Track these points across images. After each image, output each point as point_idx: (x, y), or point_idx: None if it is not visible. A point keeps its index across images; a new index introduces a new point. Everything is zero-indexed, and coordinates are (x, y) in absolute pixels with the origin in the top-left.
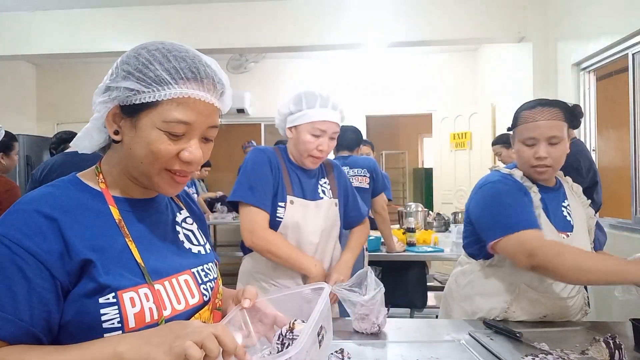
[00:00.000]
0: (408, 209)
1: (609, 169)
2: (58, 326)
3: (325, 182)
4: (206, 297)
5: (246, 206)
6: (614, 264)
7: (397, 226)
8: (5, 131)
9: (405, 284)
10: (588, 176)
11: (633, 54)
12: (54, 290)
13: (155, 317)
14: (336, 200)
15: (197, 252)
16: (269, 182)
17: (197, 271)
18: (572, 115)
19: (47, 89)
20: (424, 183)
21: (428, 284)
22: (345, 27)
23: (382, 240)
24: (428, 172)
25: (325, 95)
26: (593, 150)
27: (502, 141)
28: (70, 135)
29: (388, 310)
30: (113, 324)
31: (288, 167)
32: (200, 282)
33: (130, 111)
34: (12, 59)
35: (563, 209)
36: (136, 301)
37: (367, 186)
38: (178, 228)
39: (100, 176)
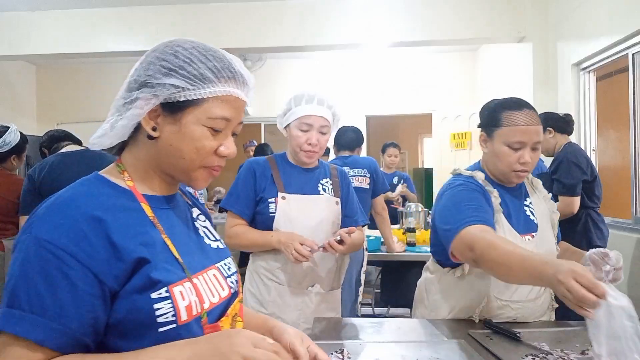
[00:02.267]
0: (408, 209)
1: (609, 169)
2: (105, 327)
3: (327, 182)
4: (233, 289)
5: (228, 212)
6: (533, 264)
7: (397, 226)
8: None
9: (405, 284)
10: (588, 171)
11: (633, 54)
12: (100, 296)
13: (199, 309)
14: (337, 199)
15: (216, 247)
16: (249, 191)
17: (221, 265)
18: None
19: (47, 89)
20: (424, 183)
21: None
22: (345, 27)
23: (382, 240)
24: (428, 172)
25: (312, 92)
26: (593, 150)
27: None
28: (62, 134)
29: (388, 310)
30: (167, 317)
31: (283, 168)
32: (225, 275)
33: (174, 108)
34: (12, 59)
35: (525, 208)
36: (185, 295)
37: (367, 186)
38: (197, 224)
39: (126, 174)
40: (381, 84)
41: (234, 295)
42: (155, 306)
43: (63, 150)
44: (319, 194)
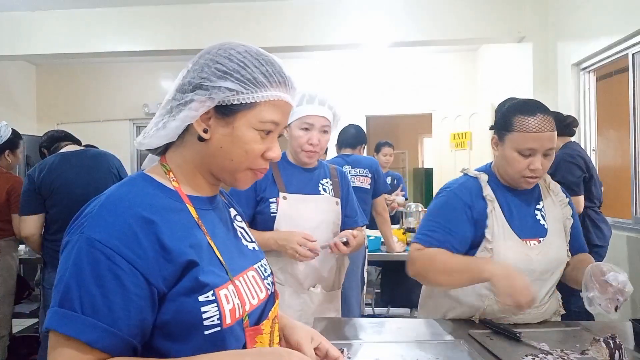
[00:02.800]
0: (408, 209)
1: (609, 169)
2: (152, 328)
3: (327, 182)
4: (270, 291)
5: None
6: (473, 262)
7: (397, 226)
8: (12, 129)
9: (406, 284)
10: (585, 169)
11: (633, 54)
12: (149, 298)
13: (241, 312)
14: (337, 200)
15: (252, 248)
16: (249, 191)
17: (259, 266)
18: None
19: (47, 89)
20: (424, 183)
21: None
22: (345, 27)
23: (382, 240)
24: (428, 172)
25: (313, 92)
26: (593, 150)
27: None
28: (62, 134)
29: (388, 310)
30: (213, 321)
31: (283, 168)
32: (263, 277)
33: (227, 111)
34: (12, 59)
35: (537, 212)
36: (229, 298)
37: (368, 187)
38: (235, 225)
39: (171, 174)
40: (381, 84)
41: (271, 297)
42: (202, 309)
43: (63, 150)
44: (320, 194)
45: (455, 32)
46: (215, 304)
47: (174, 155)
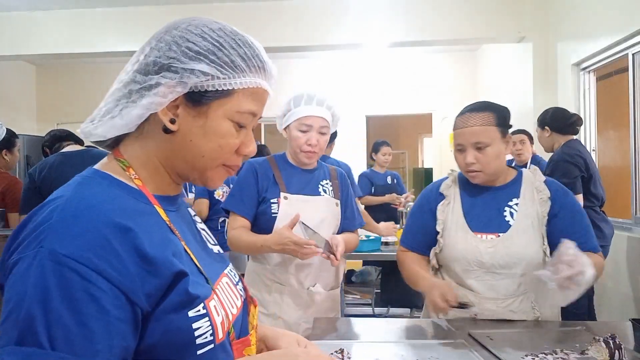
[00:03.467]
0: (408, 208)
1: (609, 169)
2: (135, 354)
3: (327, 183)
4: (243, 296)
5: (231, 212)
6: (419, 281)
7: (398, 226)
8: (6, 128)
9: (406, 284)
10: (584, 168)
11: (633, 54)
12: (132, 321)
13: (227, 324)
14: (337, 201)
15: (217, 251)
16: (251, 191)
17: (228, 272)
18: (504, 118)
19: (47, 89)
20: (423, 183)
21: None
22: (345, 27)
23: (382, 240)
24: (428, 172)
25: (312, 93)
26: (593, 150)
27: (521, 131)
28: (65, 134)
29: (388, 310)
30: (206, 337)
31: (284, 169)
32: (235, 282)
33: (200, 98)
34: (12, 59)
35: (506, 208)
36: (218, 309)
37: None
38: (198, 227)
39: (132, 171)
40: (381, 84)
41: (245, 304)
42: (194, 325)
43: (64, 150)
44: (320, 194)
45: (455, 32)
46: (207, 318)
47: (132, 149)
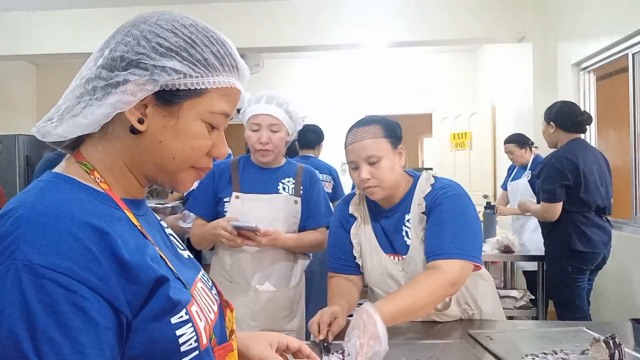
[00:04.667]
0: None
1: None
2: None
3: (288, 181)
4: (218, 301)
5: (195, 215)
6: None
7: None
8: None
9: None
10: (571, 176)
11: (633, 54)
12: (117, 330)
13: (208, 329)
14: (297, 199)
15: (187, 256)
16: (208, 192)
17: (202, 276)
18: (393, 129)
19: (47, 89)
20: None
21: None
22: (345, 27)
23: None
24: None
25: (261, 93)
26: None
27: (514, 140)
28: None
29: None
30: (191, 344)
31: (244, 169)
32: (209, 287)
33: (171, 97)
34: (12, 59)
35: (403, 227)
36: (199, 314)
37: (330, 191)
38: (166, 232)
39: (96, 174)
40: (381, 84)
41: (221, 309)
42: (178, 332)
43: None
44: (278, 192)
45: (455, 32)
46: (190, 324)
47: (95, 150)
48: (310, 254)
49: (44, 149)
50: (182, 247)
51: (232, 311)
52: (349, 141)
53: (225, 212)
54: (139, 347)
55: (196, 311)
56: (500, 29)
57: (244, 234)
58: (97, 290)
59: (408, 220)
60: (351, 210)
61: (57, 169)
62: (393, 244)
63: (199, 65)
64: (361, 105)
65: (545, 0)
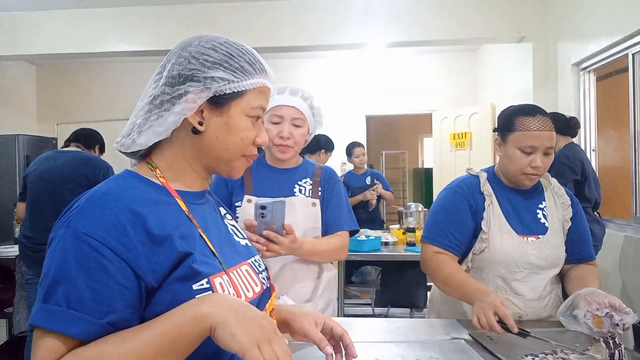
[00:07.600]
0: (408, 209)
1: (609, 169)
2: (144, 321)
3: (305, 182)
4: (265, 285)
5: None
6: (468, 289)
7: (397, 226)
8: None
9: (405, 284)
10: (579, 171)
11: (633, 54)
12: (137, 289)
13: None
14: (315, 200)
15: (244, 244)
16: (223, 197)
17: (252, 261)
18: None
19: (47, 89)
20: (424, 183)
21: (428, 283)
22: (345, 27)
23: (382, 240)
24: (428, 172)
25: (285, 84)
26: (593, 150)
27: None
28: (72, 136)
29: (388, 310)
30: None
31: (257, 170)
32: (257, 271)
33: (220, 100)
34: (12, 59)
35: (538, 211)
36: (224, 286)
37: None
38: (225, 222)
39: (157, 171)
40: (381, 84)
41: (266, 291)
42: (198, 297)
43: (67, 148)
44: (294, 195)
45: (455, 32)
46: (210, 292)
47: (160, 154)
48: (333, 264)
49: (44, 149)
50: (240, 236)
51: (273, 294)
52: (537, 127)
53: (237, 217)
54: (164, 305)
55: (220, 283)
56: (500, 29)
57: (267, 235)
58: (121, 255)
59: (546, 207)
60: (483, 188)
61: (131, 167)
62: (527, 224)
63: (238, 72)
64: (361, 105)
65: (545, 0)
